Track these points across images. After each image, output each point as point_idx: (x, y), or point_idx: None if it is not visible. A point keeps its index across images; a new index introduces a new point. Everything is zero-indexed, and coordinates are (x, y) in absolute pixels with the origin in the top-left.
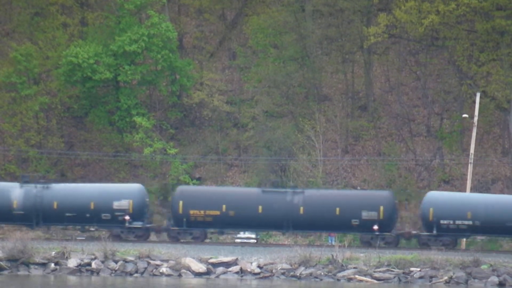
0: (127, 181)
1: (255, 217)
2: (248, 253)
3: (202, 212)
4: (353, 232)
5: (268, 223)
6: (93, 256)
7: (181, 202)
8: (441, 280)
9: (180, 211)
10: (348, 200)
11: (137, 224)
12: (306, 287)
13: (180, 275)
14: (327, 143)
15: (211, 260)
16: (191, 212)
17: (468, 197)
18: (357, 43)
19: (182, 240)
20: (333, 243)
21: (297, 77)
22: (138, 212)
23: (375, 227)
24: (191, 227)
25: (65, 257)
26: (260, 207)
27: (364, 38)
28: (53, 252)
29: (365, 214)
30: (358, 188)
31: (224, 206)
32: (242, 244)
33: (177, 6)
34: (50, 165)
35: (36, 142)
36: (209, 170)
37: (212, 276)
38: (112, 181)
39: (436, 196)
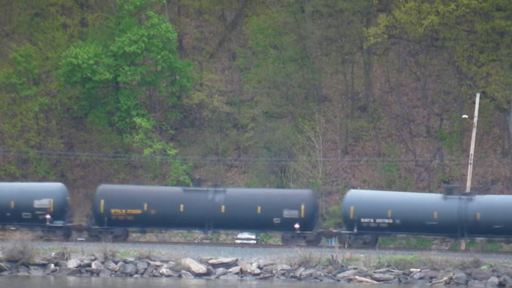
0: (127, 182)
1: (176, 215)
2: (248, 254)
3: (123, 211)
4: (275, 231)
5: (190, 221)
6: (93, 257)
7: (102, 201)
8: (441, 280)
9: (102, 209)
10: (270, 199)
11: (58, 223)
12: (306, 287)
13: (180, 276)
14: (327, 143)
15: (211, 261)
16: (113, 211)
17: (388, 195)
18: (357, 44)
19: (103, 239)
20: (333, 244)
21: (297, 78)
22: (59, 211)
23: (296, 225)
24: (112, 226)
25: (65, 258)
26: (181, 206)
27: (363, 39)
28: (53, 253)
29: (286, 213)
30: (358, 188)
31: (145, 205)
32: (242, 245)
33: (177, 7)
34: (50, 166)
35: (36, 143)
36: (209, 171)
37: (212, 277)
38: (112, 182)
39: (357, 195)
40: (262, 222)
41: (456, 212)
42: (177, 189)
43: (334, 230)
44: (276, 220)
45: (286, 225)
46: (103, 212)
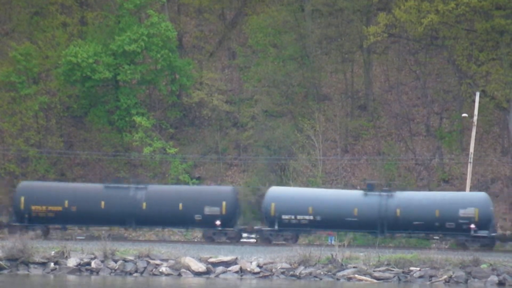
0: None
1: (98, 212)
2: (247, 253)
3: (44, 207)
4: (196, 228)
5: (111, 218)
6: (92, 256)
7: (22, 198)
8: (440, 279)
9: (22, 206)
10: (191, 195)
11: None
12: (305, 286)
13: (179, 275)
14: (326, 142)
15: (210, 260)
16: (33, 207)
17: (309, 192)
18: (357, 43)
19: (23, 236)
20: (333, 242)
21: (296, 77)
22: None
23: (218, 222)
24: (33, 222)
25: (65, 256)
26: (102, 203)
27: (363, 38)
28: (53, 252)
29: (207, 210)
30: (358, 187)
31: (66, 202)
32: (242, 244)
33: (177, 5)
34: (49, 165)
35: (35, 141)
36: (209, 169)
37: (212, 276)
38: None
39: (278, 192)
40: (184, 219)
41: (376, 209)
42: (98, 186)
43: (256, 227)
44: (198, 217)
45: (207, 222)
46: (23, 209)
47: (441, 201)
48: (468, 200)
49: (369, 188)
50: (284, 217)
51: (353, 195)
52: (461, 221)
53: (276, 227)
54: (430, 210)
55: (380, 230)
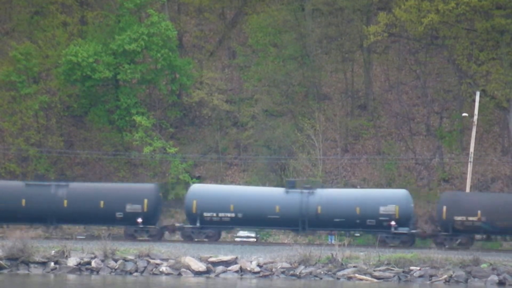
0: (127, 181)
1: (18, 210)
2: (247, 252)
3: None
4: (118, 225)
5: (32, 216)
6: (93, 255)
7: None
8: (440, 279)
9: None
10: (113, 193)
11: None
12: (306, 286)
13: (180, 274)
14: (326, 142)
15: (211, 259)
16: None
17: (231, 190)
18: (357, 42)
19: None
20: (333, 242)
21: (296, 76)
22: None
23: (139, 220)
24: None
25: (65, 256)
26: (23, 201)
27: (363, 37)
28: (53, 251)
29: (129, 207)
30: (358, 187)
31: None
32: (242, 243)
33: (177, 5)
34: (49, 164)
35: (36, 141)
36: (209, 169)
37: (212, 275)
38: (111, 181)
39: (200, 189)
40: (105, 217)
41: (297, 206)
42: (19, 184)
43: (177, 224)
44: (119, 215)
45: (129, 220)
46: None
47: (362, 198)
48: (388, 197)
49: (290, 185)
50: (206, 214)
51: (275, 192)
52: (381, 218)
53: (198, 224)
54: (350, 207)
55: (301, 227)
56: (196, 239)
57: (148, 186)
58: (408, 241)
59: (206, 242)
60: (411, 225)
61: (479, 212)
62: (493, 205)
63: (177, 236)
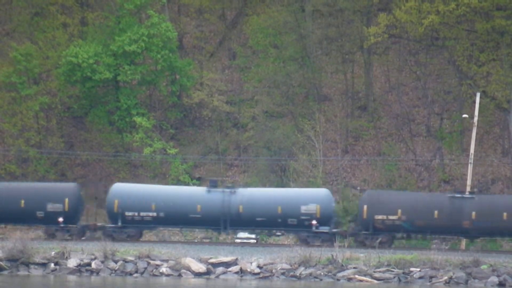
0: (127, 181)
1: None
2: (248, 253)
3: None
4: (39, 224)
5: None
6: (93, 256)
7: None
8: (441, 280)
9: None
10: (33, 192)
11: None
12: (306, 287)
13: (180, 275)
14: (327, 143)
15: (211, 260)
16: None
17: (153, 189)
18: (357, 43)
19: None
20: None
21: (297, 77)
22: None
23: (60, 219)
24: None
25: (65, 257)
26: None
27: (364, 38)
28: (53, 252)
29: (50, 206)
30: (358, 188)
31: None
32: (242, 244)
33: (177, 6)
34: (50, 165)
35: (36, 142)
36: (209, 170)
37: (212, 276)
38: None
39: (122, 188)
40: (26, 216)
41: (219, 205)
42: None
43: (99, 224)
44: (40, 214)
45: (49, 219)
46: None
47: (283, 198)
48: (310, 196)
49: (212, 185)
50: (127, 213)
51: (197, 192)
52: (303, 217)
53: (119, 223)
54: (272, 207)
55: (223, 226)
56: (117, 239)
57: (69, 186)
58: (329, 240)
59: (207, 243)
60: (332, 224)
61: (399, 211)
62: (413, 204)
63: (98, 235)
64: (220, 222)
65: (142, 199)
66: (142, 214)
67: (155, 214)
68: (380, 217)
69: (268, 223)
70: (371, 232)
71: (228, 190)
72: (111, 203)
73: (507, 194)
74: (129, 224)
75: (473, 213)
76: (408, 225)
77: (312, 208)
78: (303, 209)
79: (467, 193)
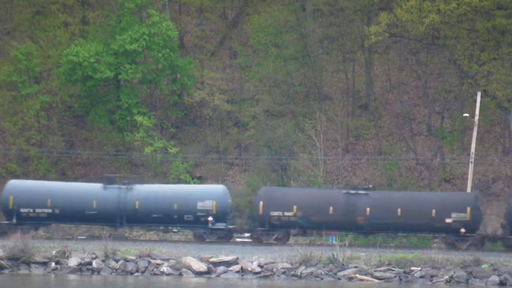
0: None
1: None
2: (248, 252)
3: None
4: None
5: None
6: (94, 255)
7: None
8: (441, 279)
9: None
10: None
11: None
12: (306, 286)
13: (180, 274)
14: (327, 142)
15: (211, 259)
16: None
17: (48, 185)
18: (358, 42)
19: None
20: (334, 242)
21: (298, 76)
22: None
23: None
24: None
25: (66, 256)
26: None
27: (365, 37)
28: (54, 251)
29: None
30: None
31: None
32: (243, 243)
33: (178, 5)
34: (50, 164)
35: (36, 141)
36: (210, 169)
37: (213, 275)
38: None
39: (17, 185)
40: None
41: (115, 202)
42: None
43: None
44: None
45: None
46: None
47: (180, 194)
48: (206, 193)
49: (109, 181)
50: (23, 210)
51: (93, 188)
52: (199, 213)
53: (14, 220)
54: (168, 203)
55: (119, 222)
56: (10, 235)
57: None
58: (226, 237)
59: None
60: (228, 221)
61: (295, 207)
62: (309, 201)
63: None
64: (116, 219)
65: (37, 195)
66: (37, 210)
67: (50, 210)
68: (276, 213)
69: (164, 220)
70: (267, 229)
71: (124, 186)
72: (6, 199)
73: (431, 191)
74: (24, 221)
75: (368, 209)
76: (304, 221)
77: (208, 204)
78: (200, 205)
79: (362, 189)
